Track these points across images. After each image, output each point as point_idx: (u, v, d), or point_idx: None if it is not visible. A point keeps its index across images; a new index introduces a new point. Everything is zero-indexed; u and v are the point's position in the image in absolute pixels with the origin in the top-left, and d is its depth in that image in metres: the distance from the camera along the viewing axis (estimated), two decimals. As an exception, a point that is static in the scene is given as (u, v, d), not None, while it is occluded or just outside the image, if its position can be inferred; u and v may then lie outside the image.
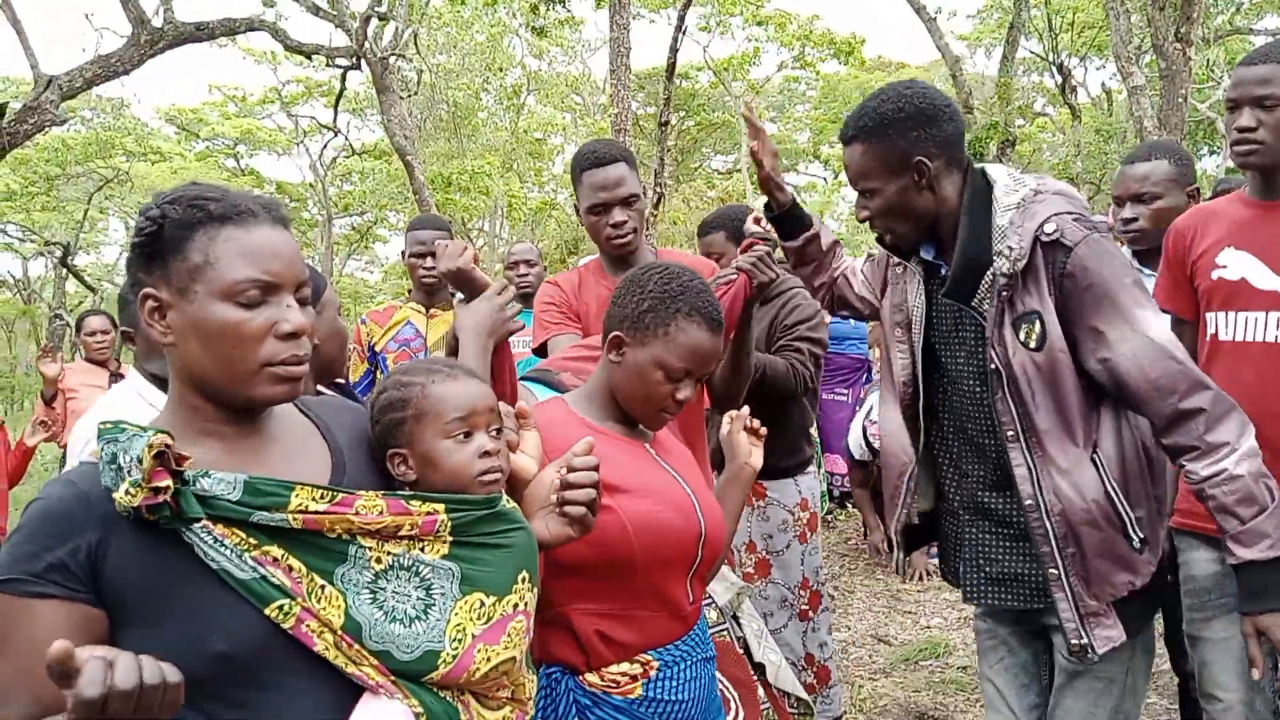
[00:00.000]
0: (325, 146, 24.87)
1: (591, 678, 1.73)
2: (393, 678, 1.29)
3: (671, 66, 11.36)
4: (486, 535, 1.39)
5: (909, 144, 1.95)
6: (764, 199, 2.49)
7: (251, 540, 1.23)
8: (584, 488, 1.52)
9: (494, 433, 1.50)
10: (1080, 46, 19.75)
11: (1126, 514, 1.92)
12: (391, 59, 13.17)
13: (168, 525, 1.20)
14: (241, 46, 22.74)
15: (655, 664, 1.76)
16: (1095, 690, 2.03)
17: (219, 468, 1.25)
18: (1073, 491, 1.91)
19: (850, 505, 7.52)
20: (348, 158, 25.15)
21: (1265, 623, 1.87)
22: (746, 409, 2.08)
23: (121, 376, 5.68)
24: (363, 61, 12.83)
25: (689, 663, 1.80)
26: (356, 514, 1.28)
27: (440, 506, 1.35)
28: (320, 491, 1.27)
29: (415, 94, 17.60)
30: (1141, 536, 1.94)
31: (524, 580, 1.41)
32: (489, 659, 1.33)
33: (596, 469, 1.55)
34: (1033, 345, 1.90)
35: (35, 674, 1.12)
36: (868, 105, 2.01)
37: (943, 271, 2.05)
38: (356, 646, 1.26)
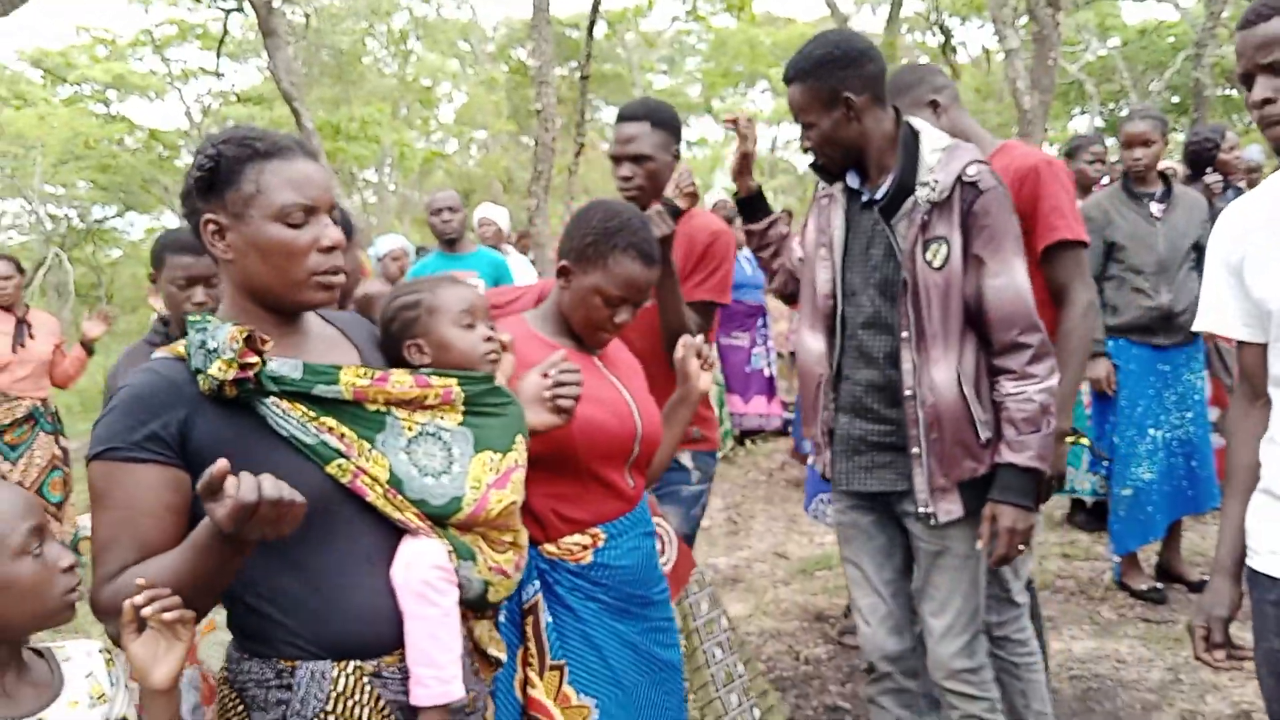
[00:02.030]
0: (207, 91, 23.99)
1: (549, 547, 2.01)
2: (429, 521, 1.56)
3: (592, 23, 11.41)
4: (490, 405, 1.68)
5: (837, 82, 2.26)
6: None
7: (311, 413, 1.49)
8: (573, 385, 1.85)
9: (489, 325, 1.79)
10: (961, 7, 20.43)
11: (977, 414, 2.28)
12: (277, 2, 12.85)
13: (247, 398, 1.44)
14: (112, -15, 21.75)
15: (603, 536, 2.05)
16: (955, 566, 2.38)
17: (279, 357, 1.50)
18: (944, 386, 2.27)
19: (751, 442, 7.97)
20: (229, 105, 24.31)
21: (998, 509, 2.26)
22: (701, 337, 2.33)
23: (27, 323, 5.56)
24: (246, 4, 12.52)
25: (632, 535, 2.10)
26: (393, 387, 1.55)
27: (454, 380, 1.63)
28: (362, 370, 1.54)
29: (303, 39, 17.20)
30: (987, 436, 2.29)
31: (519, 440, 1.71)
32: (500, 501, 1.63)
33: (579, 371, 1.88)
34: (936, 265, 2.26)
35: (136, 523, 1.42)
36: (804, 50, 2.33)
37: (864, 197, 2.37)
38: (400, 497, 1.53)
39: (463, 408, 1.64)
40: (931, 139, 2.32)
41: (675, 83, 31.55)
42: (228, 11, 14.03)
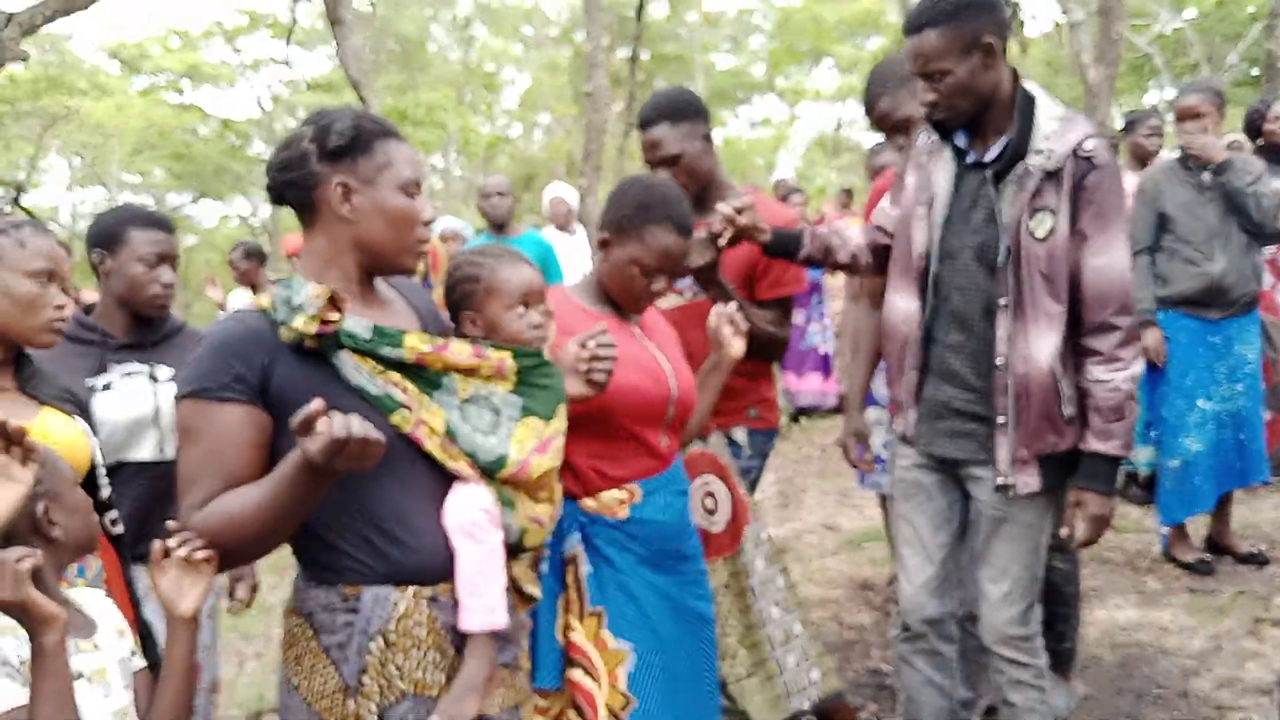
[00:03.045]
0: (278, 80, 24.54)
1: (588, 502, 2.16)
2: (478, 471, 1.72)
3: (641, 6, 11.53)
4: (539, 377, 1.81)
5: (977, 26, 2.20)
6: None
7: (379, 368, 1.65)
8: (607, 359, 1.96)
9: (540, 309, 1.91)
10: (1028, -21, 19.99)
11: (1064, 389, 2.28)
12: (344, -10, 13.08)
13: (324, 350, 1.60)
14: (185, -23, 22.35)
15: (639, 492, 2.18)
16: (1018, 535, 2.40)
17: (353, 315, 1.65)
18: (1042, 359, 2.25)
19: (804, 419, 8.04)
20: (298, 93, 24.83)
21: (1085, 496, 2.30)
22: (734, 304, 2.42)
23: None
24: (315, -7, 12.77)
25: (666, 493, 2.23)
26: (452, 355, 1.70)
27: (509, 354, 1.77)
28: (425, 336, 1.69)
29: (370, 27, 17.50)
30: (1070, 412, 2.30)
31: (560, 409, 1.85)
32: (541, 465, 1.77)
33: (614, 345, 1.98)
34: (1040, 235, 2.24)
35: (224, 456, 1.58)
36: None
37: (969, 158, 2.36)
38: (454, 447, 1.69)
39: (514, 378, 1.78)
40: (1048, 106, 2.28)
41: (739, 62, 31.39)
42: (296, 0, 14.32)
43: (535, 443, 1.77)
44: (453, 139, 24.82)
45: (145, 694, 1.64)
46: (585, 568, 2.13)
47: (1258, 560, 4.31)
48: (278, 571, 5.29)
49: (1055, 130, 2.24)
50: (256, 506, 1.52)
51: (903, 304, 2.49)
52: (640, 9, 11.50)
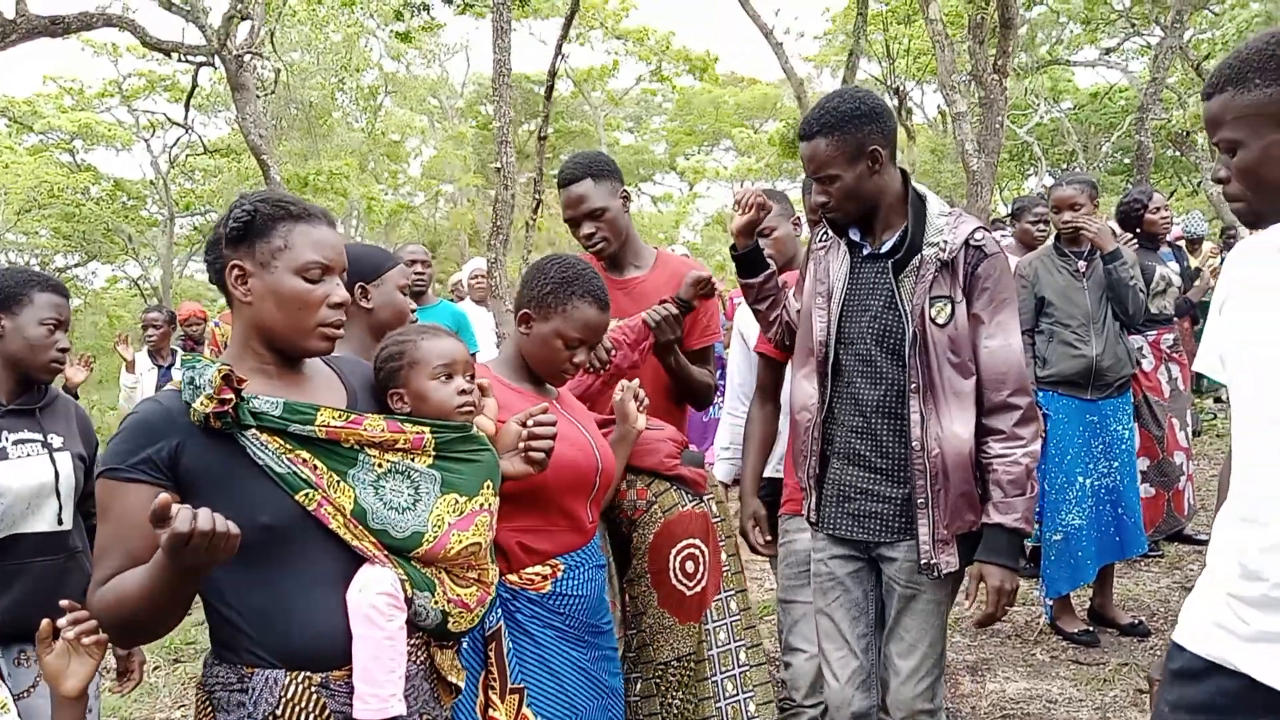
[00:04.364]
0: (175, 144, 24.13)
1: (512, 577, 2.19)
2: (386, 552, 1.73)
3: (550, 88, 11.83)
4: (462, 452, 1.83)
5: (864, 136, 2.35)
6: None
7: (288, 446, 1.66)
8: (546, 439, 2.02)
9: (468, 378, 1.94)
10: (916, 71, 21.11)
11: (975, 469, 2.38)
12: (247, 57, 13.05)
13: (228, 430, 1.62)
14: (80, 37, 21.95)
15: (561, 567, 2.23)
16: (928, 611, 2.47)
17: (266, 394, 1.68)
18: (953, 439, 2.34)
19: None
20: (196, 156, 24.46)
21: (987, 570, 2.36)
22: (637, 381, 2.53)
23: None
24: (216, 58, 12.71)
25: (587, 568, 2.28)
26: (365, 430, 1.72)
27: (426, 428, 1.79)
28: (338, 412, 1.72)
29: (272, 93, 17.39)
30: (980, 490, 2.39)
31: (488, 487, 1.86)
32: (460, 541, 1.78)
33: (555, 424, 2.04)
34: (940, 322, 2.36)
35: (128, 536, 1.60)
36: (827, 105, 2.40)
37: (865, 251, 2.50)
38: (360, 527, 1.70)
39: (434, 452, 1.79)
40: (936, 204, 2.44)
41: (641, 140, 32.12)
42: (198, 65, 14.21)
43: (454, 518, 1.77)
44: (355, 207, 24.66)
45: None
46: (507, 644, 2.15)
47: (1139, 631, 4.53)
48: (162, 652, 5.12)
49: (947, 224, 2.40)
50: (138, 591, 1.53)
51: (806, 389, 2.59)
52: (550, 89, 11.78)
